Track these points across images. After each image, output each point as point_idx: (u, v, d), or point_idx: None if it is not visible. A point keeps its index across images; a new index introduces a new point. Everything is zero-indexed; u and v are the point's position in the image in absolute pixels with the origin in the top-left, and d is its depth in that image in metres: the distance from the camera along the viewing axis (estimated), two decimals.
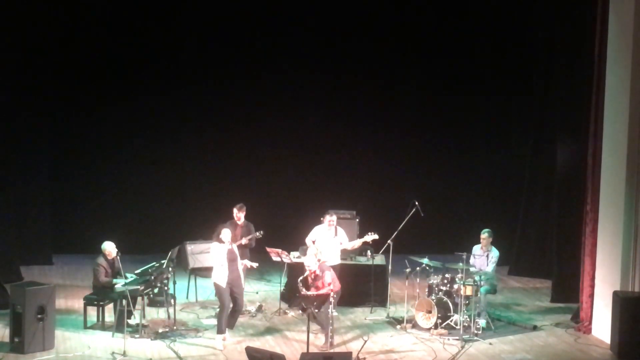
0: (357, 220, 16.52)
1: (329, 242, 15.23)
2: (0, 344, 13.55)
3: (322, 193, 18.31)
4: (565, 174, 16.65)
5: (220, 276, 13.74)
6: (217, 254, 13.80)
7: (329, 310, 13.78)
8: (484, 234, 15.11)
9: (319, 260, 14.14)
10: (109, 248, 14.39)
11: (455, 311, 14.55)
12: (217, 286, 13.84)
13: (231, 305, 13.92)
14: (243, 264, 14.41)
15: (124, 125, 18.88)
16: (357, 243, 15.76)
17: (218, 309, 14.11)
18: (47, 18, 17.69)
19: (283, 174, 19.27)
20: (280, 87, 19.05)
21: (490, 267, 14.99)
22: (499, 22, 18.78)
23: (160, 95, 18.85)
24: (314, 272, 13.99)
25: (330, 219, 15.40)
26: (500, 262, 15.53)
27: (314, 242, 15.16)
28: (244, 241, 15.25)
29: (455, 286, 14.60)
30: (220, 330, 13.77)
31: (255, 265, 14.91)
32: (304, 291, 13.85)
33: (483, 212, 18.94)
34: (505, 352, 13.90)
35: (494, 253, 15.05)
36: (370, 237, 15.55)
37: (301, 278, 14.02)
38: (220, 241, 13.78)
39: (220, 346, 13.66)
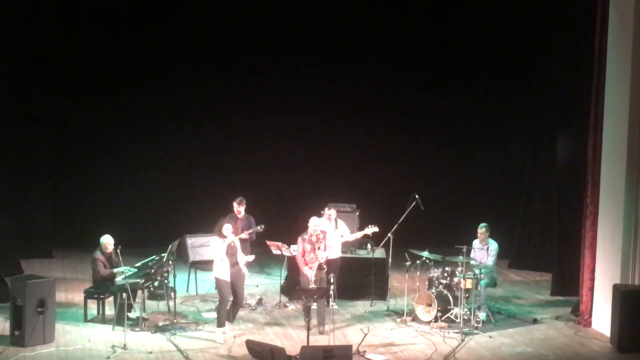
0: (358, 213, 16.51)
1: (329, 235, 15.22)
2: (1, 337, 13.57)
3: (322, 186, 18.32)
4: (565, 167, 16.64)
5: (222, 270, 13.76)
6: (218, 248, 13.80)
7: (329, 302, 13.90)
8: (481, 228, 15.11)
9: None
10: (107, 241, 14.40)
11: (455, 304, 14.56)
12: (218, 280, 13.84)
13: (231, 299, 13.94)
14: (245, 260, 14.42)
15: (124, 120, 18.91)
16: (358, 235, 15.77)
17: (218, 303, 14.11)
18: (47, 14, 17.68)
19: (283, 167, 19.28)
20: (280, 81, 19.04)
21: (490, 261, 15.00)
22: (498, 16, 18.76)
23: (160, 90, 18.87)
24: (317, 234, 14.18)
25: (328, 213, 15.39)
26: (500, 255, 15.53)
27: None
28: (244, 235, 15.25)
29: (455, 279, 14.61)
30: (220, 324, 13.78)
31: (251, 258, 14.82)
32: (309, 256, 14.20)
33: (483, 206, 18.96)
34: (505, 345, 13.90)
35: (493, 246, 15.05)
36: (371, 229, 15.55)
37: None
38: (222, 236, 13.78)
39: (220, 339, 13.66)
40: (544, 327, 14.85)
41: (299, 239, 14.63)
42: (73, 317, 14.62)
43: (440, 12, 19.18)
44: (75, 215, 18.78)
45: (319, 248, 14.24)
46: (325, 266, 14.09)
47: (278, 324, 14.63)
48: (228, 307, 13.94)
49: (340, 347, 12.91)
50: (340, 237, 15.43)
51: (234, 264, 13.86)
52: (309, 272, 14.14)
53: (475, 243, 15.17)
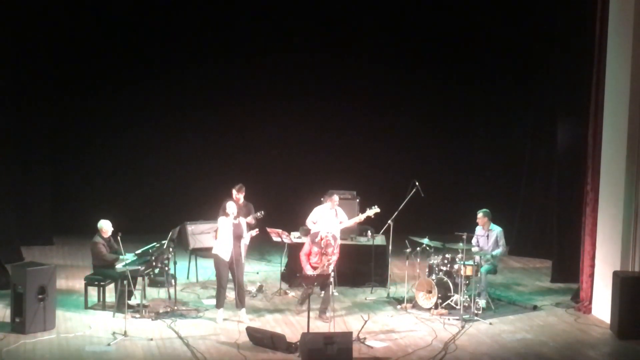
0: (358, 200, 16.51)
1: (330, 223, 15.19)
2: (1, 324, 13.59)
3: (322, 173, 18.32)
4: (565, 154, 16.64)
5: (223, 249, 13.77)
6: (223, 227, 13.81)
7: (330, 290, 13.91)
8: (479, 214, 15.10)
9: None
10: (106, 226, 14.40)
11: (456, 291, 14.57)
12: (216, 258, 13.86)
13: (228, 283, 13.92)
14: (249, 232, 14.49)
15: (123, 107, 18.90)
16: (359, 219, 15.68)
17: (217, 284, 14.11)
18: (45, 6, 17.64)
19: (283, 154, 19.29)
20: (279, 66, 19.03)
21: (501, 248, 14.95)
22: (498, 4, 18.71)
23: (159, 76, 18.87)
24: (327, 239, 14.28)
25: (335, 199, 15.36)
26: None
27: (314, 223, 15.15)
28: (249, 218, 15.21)
29: (456, 266, 14.62)
30: (218, 305, 13.84)
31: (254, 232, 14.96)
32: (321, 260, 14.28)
33: (483, 192, 18.96)
34: (506, 331, 13.92)
35: (496, 231, 15.01)
36: (372, 210, 15.48)
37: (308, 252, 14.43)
38: (226, 214, 13.79)
39: (220, 320, 13.71)
40: (544, 313, 14.87)
41: (309, 238, 14.64)
42: (73, 304, 14.63)
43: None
44: (75, 202, 18.78)
45: (326, 254, 14.23)
46: (332, 278, 14.07)
47: (278, 311, 14.64)
48: (227, 292, 13.96)
49: (340, 334, 12.90)
50: (339, 224, 15.41)
51: (237, 246, 13.84)
52: (311, 273, 14.16)
53: (478, 229, 15.16)
